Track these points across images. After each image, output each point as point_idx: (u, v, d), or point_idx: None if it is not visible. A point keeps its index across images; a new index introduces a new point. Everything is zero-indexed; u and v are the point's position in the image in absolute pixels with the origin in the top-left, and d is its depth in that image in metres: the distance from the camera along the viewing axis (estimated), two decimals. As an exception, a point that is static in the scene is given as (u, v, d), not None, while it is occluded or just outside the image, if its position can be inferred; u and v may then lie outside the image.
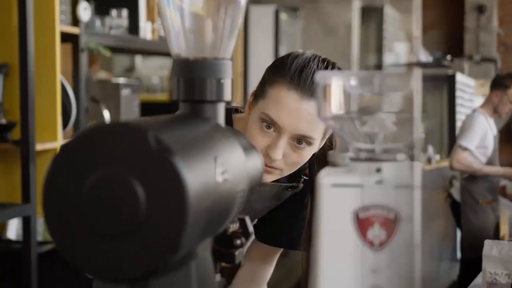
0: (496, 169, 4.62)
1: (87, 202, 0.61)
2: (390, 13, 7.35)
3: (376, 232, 0.67)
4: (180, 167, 0.60)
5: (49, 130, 2.59)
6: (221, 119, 0.79)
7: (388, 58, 5.95)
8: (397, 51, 5.99)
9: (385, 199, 0.67)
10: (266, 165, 1.27)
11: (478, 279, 2.05)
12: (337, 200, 0.68)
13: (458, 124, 7.16)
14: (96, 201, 0.61)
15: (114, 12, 3.20)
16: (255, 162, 0.84)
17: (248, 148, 0.84)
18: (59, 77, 2.63)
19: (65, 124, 2.71)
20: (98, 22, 3.08)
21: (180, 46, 0.79)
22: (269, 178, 1.32)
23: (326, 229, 0.68)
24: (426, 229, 0.69)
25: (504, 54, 9.03)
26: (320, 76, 0.70)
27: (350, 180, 0.68)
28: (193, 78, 0.77)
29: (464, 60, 7.10)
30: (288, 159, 1.29)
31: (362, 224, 0.67)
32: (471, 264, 4.36)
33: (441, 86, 6.99)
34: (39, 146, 2.50)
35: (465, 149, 4.45)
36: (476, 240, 4.46)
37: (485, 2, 8.06)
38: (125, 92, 3.25)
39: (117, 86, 3.24)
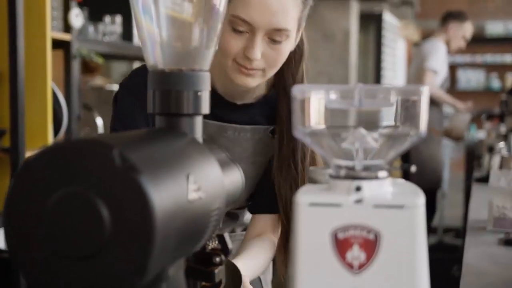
0: (453, 100, 4.66)
1: (49, 222, 0.58)
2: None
3: (355, 254, 0.64)
4: (147, 186, 0.57)
5: (40, 138, 2.56)
6: (198, 133, 0.76)
7: None
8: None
9: (365, 219, 0.64)
10: (246, 68, 1.27)
11: (483, 214, 1.88)
12: (315, 220, 0.65)
13: (383, 64, 7.17)
14: (59, 221, 0.58)
15: (107, 18, 3.17)
16: (234, 177, 0.81)
17: (227, 163, 0.81)
18: (50, 84, 2.59)
19: (56, 131, 2.68)
20: (91, 29, 3.05)
21: (156, 57, 0.76)
22: (252, 82, 1.30)
23: (303, 250, 0.65)
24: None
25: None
26: (298, 89, 0.67)
27: (328, 199, 0.65)
28: (169, 90, 0.74)
29: (383, 2, 7.03)
30: (267, 58, 1.27)
31: (340, 245, 0.64)
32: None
33: (368, 24, 6.96)
34: (29, 154, 2.47)
35: (434, 71, 4.40)
36: (426, 171, 4.43)
37: None
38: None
39: (111, 93, 3.21)
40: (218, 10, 0.78)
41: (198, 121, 0.76)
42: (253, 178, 1.46)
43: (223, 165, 0.78)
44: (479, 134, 5.50)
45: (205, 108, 0.76)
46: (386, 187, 0.66)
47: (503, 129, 3.76)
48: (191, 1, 0.79)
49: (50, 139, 2.61)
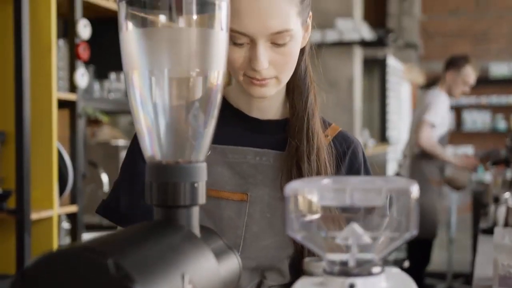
0: (455, 159, 4.61)
1: (46, 331, 0.59)
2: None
3: None
4: (141, 295, 0.57)
5: (45, 198, 2.57)
6: (195, 223, 0.77)
7: (330, 35, 5.79)
8: (340, 28, 5.81)
9: (359, 319, 0.64)
10: (258, 80, 1.19)
11: (489, 270, 1.82)
12: (309, 319, 0.65)
13: (388, 108, 7.16)
14: (55, 330, 0.59)
15: (112, 75, 3.22)
16: (230, 266, 0.81)
17: (224, 251, 0.81)
18: (55, 145, 2.62)
19: (61, 190, 2.70)
20: (97, 86, 3.09)
21: (153, 150, 0.77)
22: (268, 91, 1.21)
23: None
24: None
25: (426, 41, 9.07)
26: (290, 188, 0.68)
27: (322, 298, 0.65)
28: (166, 182, 0.75)
29: (386, 47, 7.06)
30: (276, 64, 1.18)
31: None
32: (417, 245, 4.27)
33: (372, 68, 6.98)
34: (34, 215, 2.47)
35: (432, 125, 4.38)
36: (424, 221, 4.38)
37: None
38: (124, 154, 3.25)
39: (117, 149, 3.24)
40: (216, 90, 0.78)
41: (195, 211, 0.77)
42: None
43: (220, 254, 0.78)
44: (486, 177, 5.49)
45: (202, 199, 0.77)
46: (380, 283, 0.67)
47: (509, 174, 3.74)
48: (188, 89, 0.80)
49: (56, 199, 2.62)
